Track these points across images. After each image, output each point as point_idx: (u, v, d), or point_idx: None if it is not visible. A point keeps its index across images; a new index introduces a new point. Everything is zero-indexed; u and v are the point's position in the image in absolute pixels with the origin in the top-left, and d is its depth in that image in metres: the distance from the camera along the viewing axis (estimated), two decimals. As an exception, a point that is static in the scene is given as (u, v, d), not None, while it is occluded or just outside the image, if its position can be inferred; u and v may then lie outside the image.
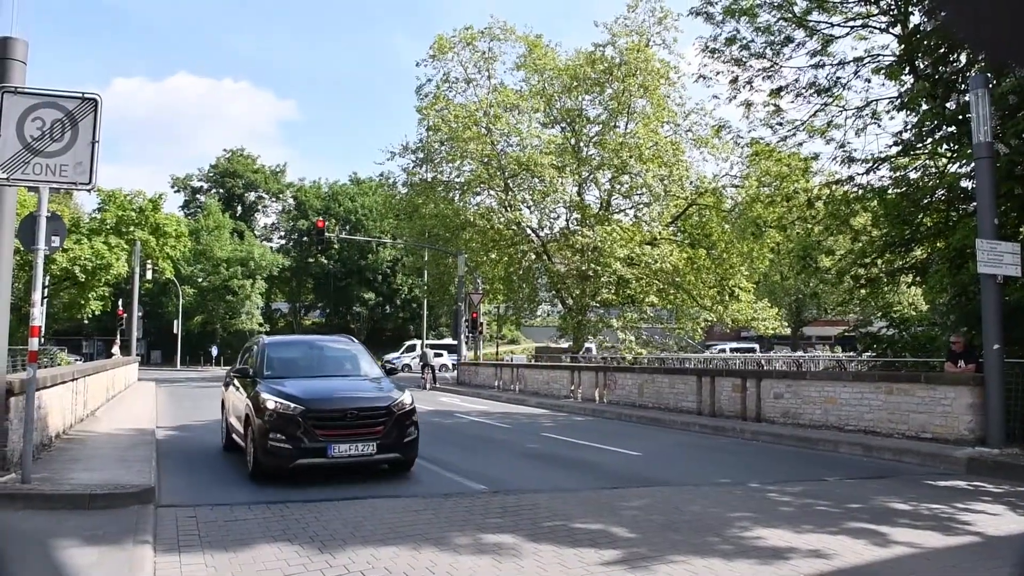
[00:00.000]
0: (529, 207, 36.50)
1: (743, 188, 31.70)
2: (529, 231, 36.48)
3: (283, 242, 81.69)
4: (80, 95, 8.44)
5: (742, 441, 14.62)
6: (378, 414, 9.49)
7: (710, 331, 42.87)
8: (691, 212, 35.65)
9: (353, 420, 9.32)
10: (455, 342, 54.31)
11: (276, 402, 9.32)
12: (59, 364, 25.43)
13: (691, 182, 34.56)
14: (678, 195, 34.40)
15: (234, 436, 11.28)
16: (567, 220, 36.54)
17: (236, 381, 11.34)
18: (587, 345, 48.57)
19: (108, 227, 46.37)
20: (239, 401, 10.75)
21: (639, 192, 35.35)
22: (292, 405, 9.25)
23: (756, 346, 46.17)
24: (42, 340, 9.35)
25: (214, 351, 65.42)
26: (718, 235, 34.13)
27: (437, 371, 36.01)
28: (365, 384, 10.64)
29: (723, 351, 40.51)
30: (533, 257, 36.32)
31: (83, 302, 45.58)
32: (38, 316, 8.51)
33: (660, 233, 34.43)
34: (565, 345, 41.45)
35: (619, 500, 8.59)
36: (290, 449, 9.05)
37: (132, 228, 46.81)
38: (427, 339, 52.72)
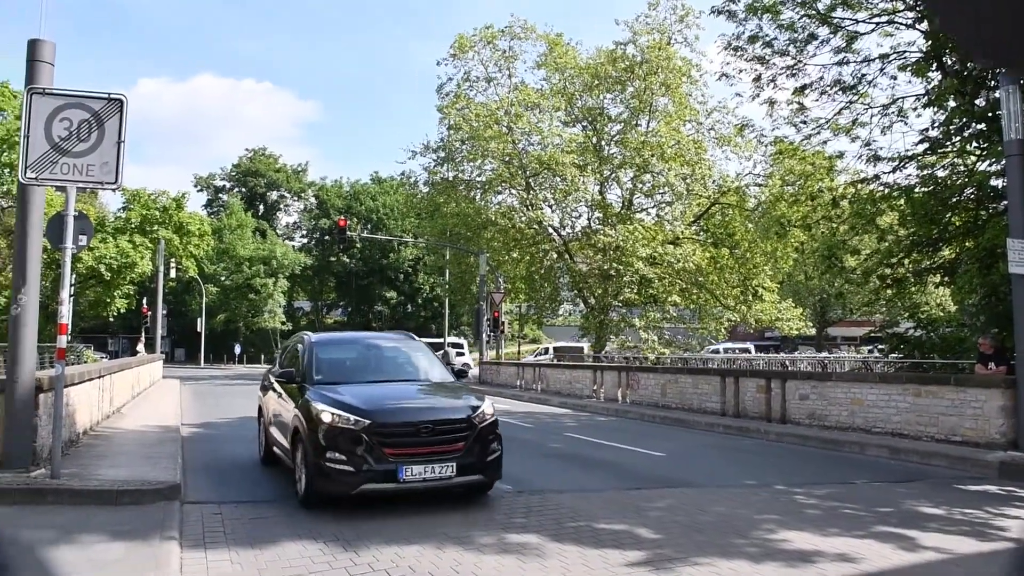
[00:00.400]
0: (551, 206, 36.53)
1: (766, 187, 31.44)
2: (551, 230, 36.48)
3: (305, 241, 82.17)
4: (106, 96, 8.53)
5: (767, 442, 14.51)
6: (458, 428, 8.02)
7: (733, 331, 42.56)
8: (714, 211, 35.49)
9: (428, 436, 7.82)
10: (460, 340, 54.36)
11: (333, 414, 7.83)
12: (85, 361, 25.73)
13: (714, 181, 34.44)
14: (700, 194, 34.30)
15: (275, 450, 9.98)
16: (589, 219, 36.60)
17: (278, 386, 9.91)
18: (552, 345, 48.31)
19: (133, 226, 46.72)
20: (284, 410, 9.34)
21: (661, 191, 35.31)
22: (353, 418, 7.75)
23: (751, 346, 45.54)
24: (69, 338, 9.41)
25: (237, 349, 66.12)
26: (741, 234, 33.93)
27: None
28: (437, 391, 9.21)
29: (716, 351, 40.17)
30: (555, 256, 36.28)
31: (108, 300, 45.92)
32: (66, 314, 8.62)
33: (683, 232, 34.33)
34: (585, 345, 41.35)
35: (643, 501, 8.55)
36: (352, 472, 7.57)
37: (156, 227, 47.14)
38: (448, 338, 52.73)
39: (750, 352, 42.21)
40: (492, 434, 8.31)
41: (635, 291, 34.17)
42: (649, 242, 32.17)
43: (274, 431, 9.96)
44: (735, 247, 34.34)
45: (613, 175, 35.21)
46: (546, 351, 47.64)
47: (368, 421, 7.73)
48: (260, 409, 11.31)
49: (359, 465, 7.58)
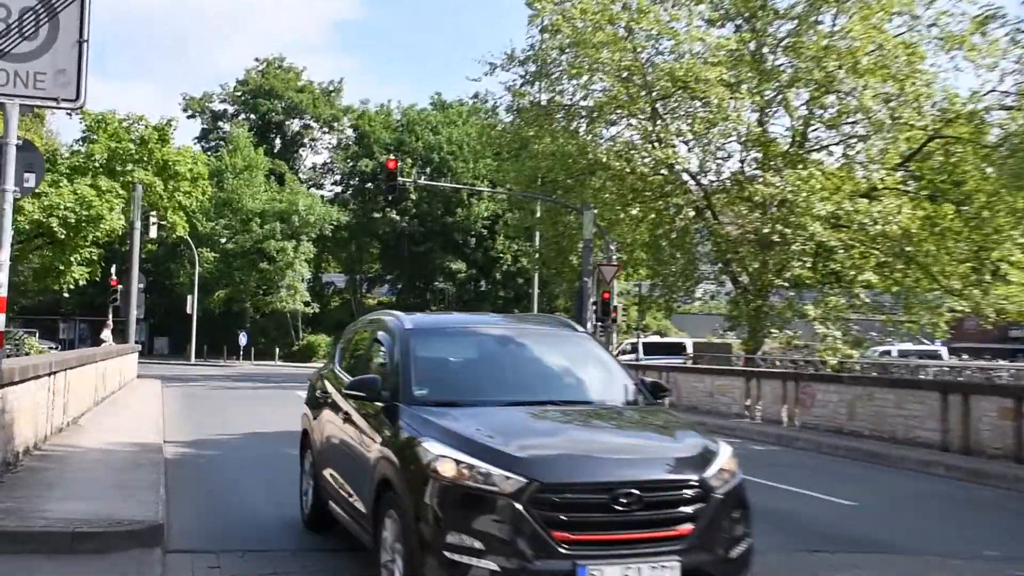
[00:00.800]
0: (687, 142, 36.22)
1: (1020, 110, 30.30)
2: (686, 177, 36.13)
3: (338, 190, 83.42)
4: (61, -26, 8.57)
5: (1017, 494, 14.05)
6: (682, 495, 6.31)
7: (959, 327, 41.28)
8: (932, 149, 34.41)
9: (631, 508, 6.05)
10: None
11: (460, 462, 6.18)
12: (27, 353, 26.16)
13: (933, 104, 33.27)
14: (912, 123, 33.18)
15: (336, 509, 8.45)
16: (742, 161, 36.06)
17: (344, 401, 8.36)
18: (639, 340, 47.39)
19: (97, 165, 47.43)
20: (358, 445, 7.79)
21: (851, 119, 34.34)
22: (497, 471, 6.10)
23: (943, 349, 44.30)
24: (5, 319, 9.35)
25: (242, 339, 67.15)
26: (975, 183, 32.84)
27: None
28: (634, 424, 7.63)
29: (887, 353, 39.09)
30: (691, 214, 35.97)
31: (62, 268, 46.42)
32: (3, 284, 8.59)
33: (882, 180, 33.38)
34: (734, 341, 40.85)
35: (824, 568, 8.56)
36: (497, 571, 5.89)
37: (130, 167, 47.88)
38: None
39: (941, 357, 41.06)
40: (739, 506, 6.59)
41: (809, 265, 33.62)
42: (832, 194, 31.54)
43: (334, 478, 8.51)
44: (964, 202, 33.35)
45: (780, 97, 34.47)
46: (632, 348, 47.07)
47: (525, 479, 6.02)
48: (305, 436, 10.02)
49: (508, 558, 5.93)
